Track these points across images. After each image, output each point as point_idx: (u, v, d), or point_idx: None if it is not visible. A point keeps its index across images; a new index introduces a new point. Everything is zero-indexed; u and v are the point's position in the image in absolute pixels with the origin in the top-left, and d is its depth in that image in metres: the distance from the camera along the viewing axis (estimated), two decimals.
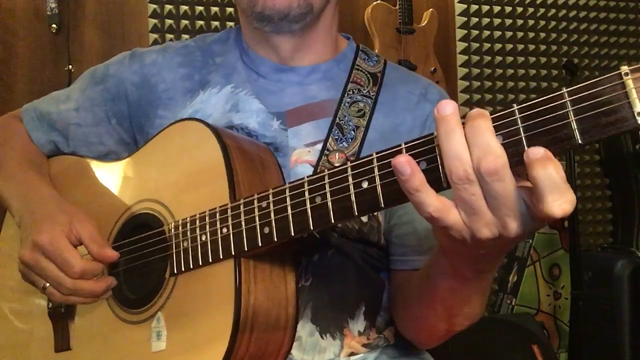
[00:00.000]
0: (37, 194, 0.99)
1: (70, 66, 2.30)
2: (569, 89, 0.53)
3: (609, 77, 0.52)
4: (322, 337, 0.95)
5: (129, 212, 0.96)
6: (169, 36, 2.42)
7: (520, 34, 2.91)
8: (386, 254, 1.01)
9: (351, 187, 0.67)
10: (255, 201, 0.77)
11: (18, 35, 2.30)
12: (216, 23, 2.48)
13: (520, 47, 2.92)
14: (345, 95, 1.02)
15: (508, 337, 2.24)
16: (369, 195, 0.65)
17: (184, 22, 2.43)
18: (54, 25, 2.28)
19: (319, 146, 0.98)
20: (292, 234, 0.73)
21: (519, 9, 2.91)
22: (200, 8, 2.46)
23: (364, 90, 1.04)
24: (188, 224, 0.85)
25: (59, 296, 0.90)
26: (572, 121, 0.53)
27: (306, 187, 0.72)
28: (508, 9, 2.90)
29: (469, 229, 0.59)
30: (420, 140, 0.61)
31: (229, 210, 0.80)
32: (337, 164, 0.93)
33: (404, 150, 0.62)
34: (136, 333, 0.88)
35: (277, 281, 0.83)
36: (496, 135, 0.56)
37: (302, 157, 0.97)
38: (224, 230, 0.80)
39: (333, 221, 0.69)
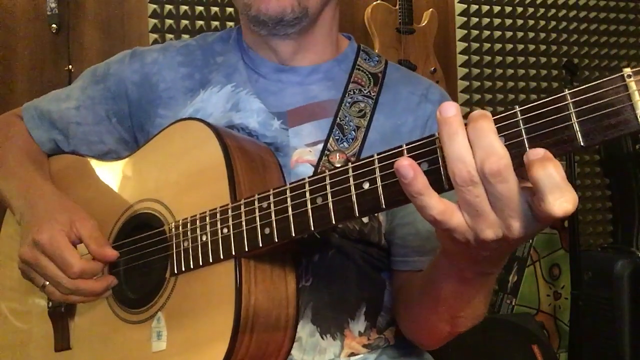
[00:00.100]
0: (38, 192, 0.99)
1: (70, 66, 2.30)
2: (571, 91, 0.53)
3: (612, 79, 0.51)
4: (322, 337, 0.95)
5: (129, 212, 0.96)
6: (169, 36, 2.42)
7: (520, 34, 2.91)
8: (387, 254, 1.01)
9: (352, 187, 0.66)
10: (256, 201, 0.77)
11: (18, 35, 2.30)
12: (216, 23, 2.48)
13: (520, 47, 2.92)
14: (346, 96, 1.02)
15: (508, 337, 2.24)
16: (370, 196, 0.65)
17: (184, 22, 2.44)
18: (54, 25, 2.28)
19: (320, 146, 0.97)
20: (293, 235, 0.73)
21: (519, 9, 2.91)
22: (200, 8, 2.46)
23: (365, 90, 1.04)
24: (188, 224, 0.85)
25: (58, 295, 0.90)
26: (574, 123, 0.53)
27: (307, 188, 0.72)
28: (508, 9, 2.90)
29: (472, 230, 0.59)
30: (421, 142, 0.61)
31: (229, 211, 0.80)
32: (337, 164, 0.93)
33: (405, 152, 0.62)
34: (136, 333, 0.88)
35: (278, 281, 0.83)
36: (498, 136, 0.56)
37: (303, 157, 0.97)
38: (225, 230, 0.80)
39: (334, 222, 0.69)
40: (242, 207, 0.79)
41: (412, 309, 0.93)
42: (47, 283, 0.90)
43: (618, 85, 0.51)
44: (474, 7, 2.85)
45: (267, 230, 0.76)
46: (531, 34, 2.94)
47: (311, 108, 1.02)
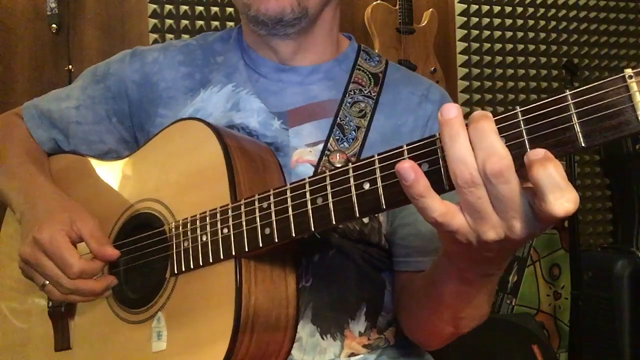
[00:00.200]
0: (39, 190, 0.99)
1: (70, 66, 2.30)
2: (572, 92, 0.53)
3: (613, 80, 0.51)
4: (322, 337, 0.95)
5: (129, 212, 0.96)
6: (169, 36, 2.42)
7: (520, 34, 2.91)
8: (387, 254, 1.01)
9: (353, 188, 0.66)
10: (256, 201, 0.77)
11: (18, 35, 2.30)
12: (216, 23, 2.48)
13: (520, 47, 2.92)
14: (347, 96, 1.02)
15: (508, 337, 2.24)
16: (370, 197, 0.65)
17: (184, 22, 2.44)
18: (54, 25, 2.28)
19: (320, 146, 0.97)
20: (293, 235, 0.73)
21: (519, 9, 2.91)
22: (200, 8, 2.46)
23: (365, 90, 1.04)
24: (189, 224, 0.85)
25: (58, 294, 0.90)
26: (575, 124, 0.53)
27: (307, 188, 0.72)
28: (508, 9, 2.90)
29: (474, 232, 0.58)
30: (422, 142, 0.61)
31: (229, 211, 0.80)
32: (338, 164, 0.93)
33: (405, 152, 0.62)
34: (136, 333, 0.88)
35: (278, 282, 0.83)
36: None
37: (303, 157, 0.97)
38: (225, 230, 0.80)
39: (334, 222, 0.69)
40: (242, 207, 0.79)
41: (414, 310, 0.93)
42: (47, 282, 0.90)
43: (619, 86, 0.51)
44: (474, 7, 2.85)
45: (267, 231, 0.76)
46: (531, 34, 2.94)
47: (311, 108, 1.02)
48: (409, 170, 0.57)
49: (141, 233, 0.92)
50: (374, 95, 1.03)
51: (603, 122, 0.51)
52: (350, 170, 0.67)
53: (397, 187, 0.61)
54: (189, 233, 0.85)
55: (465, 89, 2.83)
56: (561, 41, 2.99)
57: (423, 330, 0.95)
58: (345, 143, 0.97)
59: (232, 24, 2.48)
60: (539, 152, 0.52)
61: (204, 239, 0.82)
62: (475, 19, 2.85)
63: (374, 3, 2.60)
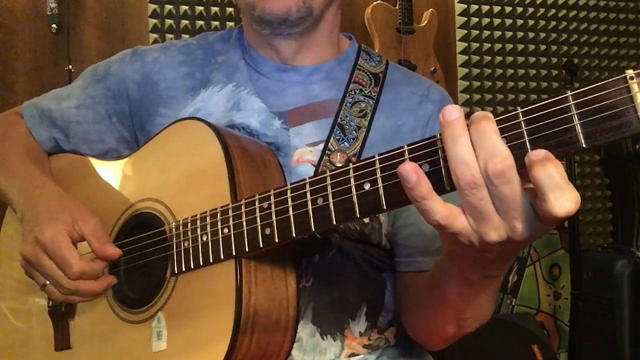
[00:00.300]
0: (40, 189, 0.99)
1: (70, 66, 2.30)
2: (573, 93, 0.53)
3: (614, 80, 0.51)
4: (322, 338, 0.95)
5: (129, 211, 0.96)
6: (169, 36, 2.42)
7: (520, 34, 2.91)
8: (388, 254, 1.01)
9: (353, 188, 0.66)
10: (257, 201, 0.77)
11: (18, 35, 2.30)
12: (216, 23, 2.48)
13: (520, 47, 2.92)
14: (347, 95, 1.02)
15: (508, 337, 2.24)
16: (371, 197, 0.65)
17: (184, 22, 2.43)
18: (54, 25, 2.28)
19: (321, 146, 0.97)
20: (294, 235, 0.73)
21: (519, 9, 2.91)
22: (200, 8, 2.46)
23: (366, 90, 1.04)
24: (189, 224, 0.85)
25: (58, 295, 0.90)
26: (576, 125, 0.53)
27: (308, 188, 0.72)
28: (508, 9, 2.90)
29: (477, 233, 0.58)
30: (422, 143, 0.61)
31: (230, 211, 0.80)
32: (338, 164, 0.93)
33: (406, 152, 0.62)
34: (136, 333, 0.88)
35: (278, 282, 0.83)
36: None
37: (303, 157, 0.97)
38: (225, 230, 0.80)
39: (335, 222, 0.69)
40: (243, 207, 0.79)
41: (418, 310, 0.93)
42: (48, 282, 0.90)
43: (620, 87, 0.51)
44: (474, 7, 2.85)
45: (267, 231, 0.76)
46: (531, 34, 2.94)
47: (312, 108, 1.02)
48: (411, 172, 0.57)
49: (141, 233, 0.92)
50: (375, 95, 1.03)
51: (604, 123, 0.51)
52: (351, 171, 0.67)
53: (398, 188, 0.61)
54: (189, 233, 0.85)
55: (465, 89, 2.83)
56: (561, 41, 2.99)
57: (426, 330, 0.95)
58: (345, 143, 0.97)
59: (232, 24, 2.48)
60: (540, 153, 0.52)
61: (205, 238, 0.82)
62: (475, 19, 2.85)
63: (374, 3, 2.59)
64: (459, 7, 2.82)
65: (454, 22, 2.83)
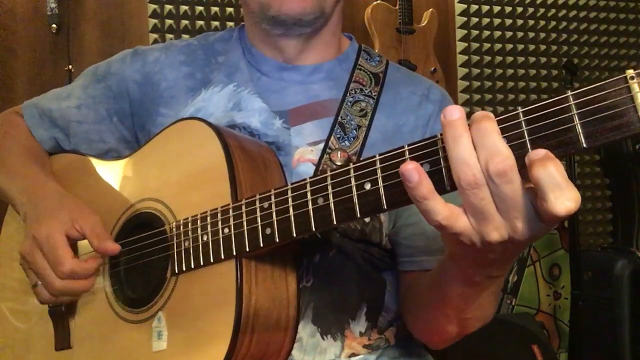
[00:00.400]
0: (41, 190, 0.99)
1: (70, 66, 2.30)
2: (573, 93, 0.53)
3: (614, 80, 0.51)
4: (323, 338, 0.95)
5: (130, 211, 0.96)
6: (169, 36, 2.41)
7: (520, 34, 2.91)
8: (388, 253, 1.01)
9: (354, 188, 0.66)
10: (257, 201, 0.77)
11: (18, 35, 2.30)
12: (216, 23, 2.48)
13: (520, 47, 2.91)
14: (348, 95, 1.02)
15: (508, 337, 2.24)
16: (371, 197, 0.65)
17: (184, 22, 2.43)
18: (54, 25, 2.28)
19: (322, 145, 0.98)
20: (294, 235, 0.73)
21: (519, 9, 2.90)
22: (200, 8, 2.45)
23: (366, 90, 1.04)
24: (189, 224, 0.85)
25: (46, 296, 0.91)
26: (576, 125, 0.53)
27: (308, 188, 0.72)
28: (508, 9, 2.90)
29: (478, 233, 0.58)
30: (423, 143, 0.61)
31: (230, 211, 0.80)
32: (338, 162, 0.93)
33: (407, 152, 0.62)
34: (137, 332, 0.88)
35: (279, 282, 0.83)
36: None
37: (304, 156, 0.97)
38: (226, 230, 0.80)
39: (335, 222, 0.69)
40: (243, 207, 0.79)
41: (420, 310, 0.93)
42: (39, 283, 0.90)
43: (621, 87, 0.51)
44: (474, 7, 2.85)
45: (268, 231, 0.76)
46: (531, 34, 2.94)
47: (313, 107, 1.02)
48: (413, 171, 0.57)
49: (142, 233, 0.92)
50: (375, 95, 1.04)
51: (605, 123, 0.51)
52: (352, 170, 0.67)
53: (399, 188, 0.61)
54: (189, 233, 0.85)
55: (465, 89, 2.83)
56: (561, 41, 2.99)
57: (429, 330, 0.95)
58: (346, 141, 0.98)
59: (232, 24, 2.48)
60: (540, 152, 0.52)
61: (205, 238, 0.82)
62: (475, 19, 2.85)
63: (374, 3, 2.59)
64: (459, 7, 2.82)
65: (454, 22, 2.83)
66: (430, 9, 2.69)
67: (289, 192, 0.74)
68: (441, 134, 0.58)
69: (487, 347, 2.10)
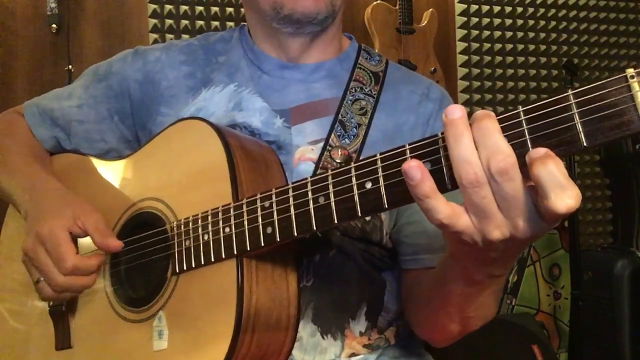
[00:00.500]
0: (42, 188, 0.99)
1: (70, 66, 2.30)
2: (574, 92, 0.53)
3: (615, 79, 0.51)
4: (323, 337, 0.95)
5: (131, 211, 0.96)
6: (169, 36, 2.41)
7: (520, 34, 2.91)
8: (388, 253, 1.01)
9: (355, 187, 0.67)
10: (258, 201, 0.77)
11: (18, 35, 2.30)
12: (216, 23, 2.48)
13: (520, 47, 2.91)
14: (348, 93, 1.02)
15: (508, 337, 2.24)
16: (372, 196, 0.65)
17: (184, 22, 2.43)
18: (54, 25, 2.28)
19: (322, 144, 0.98)
20: (295, 234, 0.73)
21: (519, 9, 2.91)
22: (200, 8, 2.45)
23: (366, 88, 1.04)
24: (190, 223, 0.85)
25: (49, 293, 0.90)
26: (577, 124, 0.53)
27: (309, 187, 0.72)
28: (508, 9, 2.90)
29: (480, 232, 0.58)
30: (424, 142, 0.61)
31: (231, 210, 0.80)
32: (338, 160, 0.93)
33: (407, 151, 0.62)
34: (137, 332, 0.88)
35: (279, 281, 0.83)
36: None
37: (305, 155, 0.97)
38: (227, 229, 0.80)
39: (336, 221, 0.69)
40: (244, 206, 0.79)
41: (423, 308, 0.93)
42: (42, 279, 0.90)
43: (621, 86, 0.51)
44: (474, 7, 2.85)
45: (269, 230, 0.76)
46: (531, 34, 2.94)
47: (314, 106, 1.02)
48: (416, 169, 0.57)
49: (143, 232, 0.92)
50: (375, 94, 1.04)
51: (605, 122, 0.51)
52: (353, 170, 0.67)
53: (400, 187, 0.61)
54: (190, 232, 0.85)
55: (465, 89, 2.83)
56: (561, 41, 2.99)
57: (431, 328, 0.95)
58: (346, 139, 0.98)
59: (232, 24, 2.48)
60: (540, 150, 0.52)
61: (206, 238, 0.82)
62: (475, 19, 2.85)
63: (374, 3, 2.59)
64: (459, 7, 2.82)
65: (454, 22, 2.83)
66: (430, 9, 2.69)
67: (290, 191, 0.74)
68: (442, 133, 0.58)
69: (487, 347, 2.10)
